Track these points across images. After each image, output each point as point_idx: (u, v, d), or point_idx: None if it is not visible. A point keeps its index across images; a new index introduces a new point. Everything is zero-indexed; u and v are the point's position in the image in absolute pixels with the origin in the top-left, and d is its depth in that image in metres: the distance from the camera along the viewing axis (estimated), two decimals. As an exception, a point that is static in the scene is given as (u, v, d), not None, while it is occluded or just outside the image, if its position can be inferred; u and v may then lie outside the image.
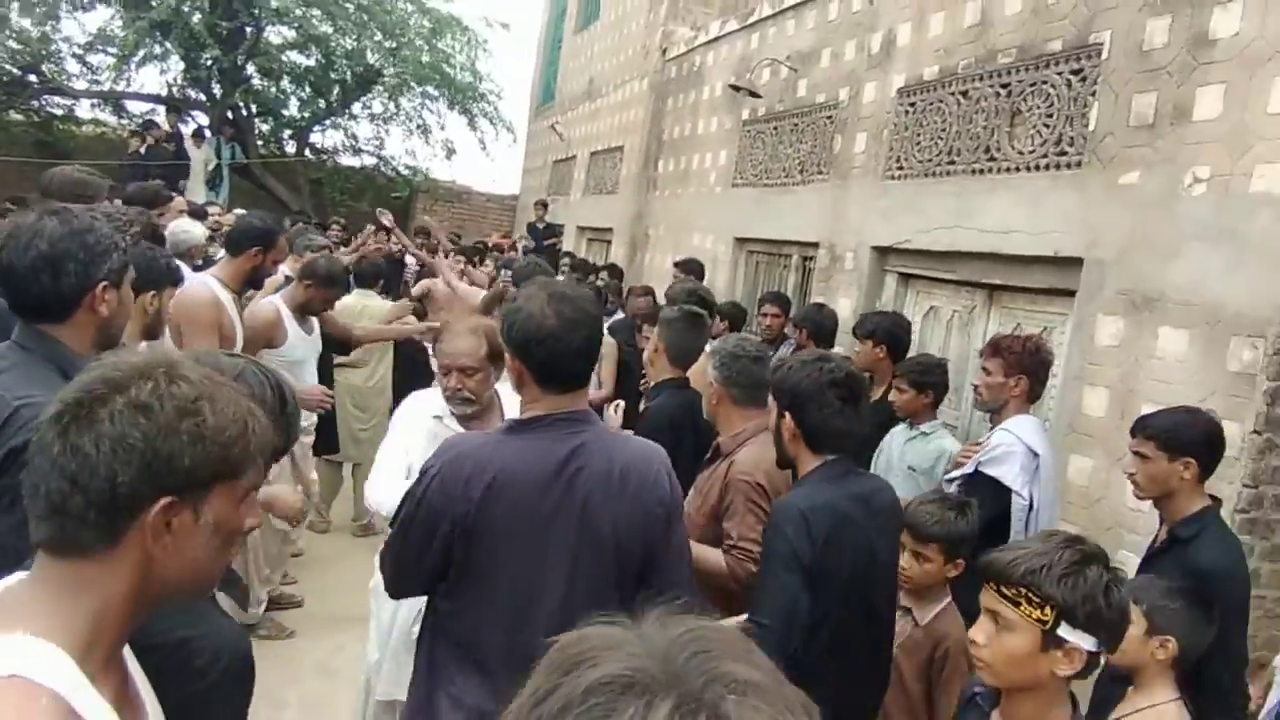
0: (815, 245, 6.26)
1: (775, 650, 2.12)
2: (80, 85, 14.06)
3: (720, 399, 2.91)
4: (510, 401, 2.83)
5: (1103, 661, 1.54)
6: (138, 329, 2.48)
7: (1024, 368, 3.16)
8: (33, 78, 13.32)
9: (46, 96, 13.91)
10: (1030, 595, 1.49)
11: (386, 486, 2.60)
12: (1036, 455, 3.05)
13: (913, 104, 5.33)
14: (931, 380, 3.64)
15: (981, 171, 4.68)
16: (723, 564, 2.60)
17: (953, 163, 4.91)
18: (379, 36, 14.37)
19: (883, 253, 5.54)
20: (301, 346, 4.12)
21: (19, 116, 13.74)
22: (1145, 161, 3.70)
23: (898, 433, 3.67)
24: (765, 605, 2.15)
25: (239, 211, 10.25)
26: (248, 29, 13.63)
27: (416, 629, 2.00)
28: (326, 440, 5.11)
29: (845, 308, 5.59)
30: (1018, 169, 4.44)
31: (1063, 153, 4.17)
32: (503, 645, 1.84)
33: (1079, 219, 3.99)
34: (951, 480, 3.18)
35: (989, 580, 1.56)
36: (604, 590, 1.89)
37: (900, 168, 5.39)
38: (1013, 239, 4.37)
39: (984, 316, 4.75)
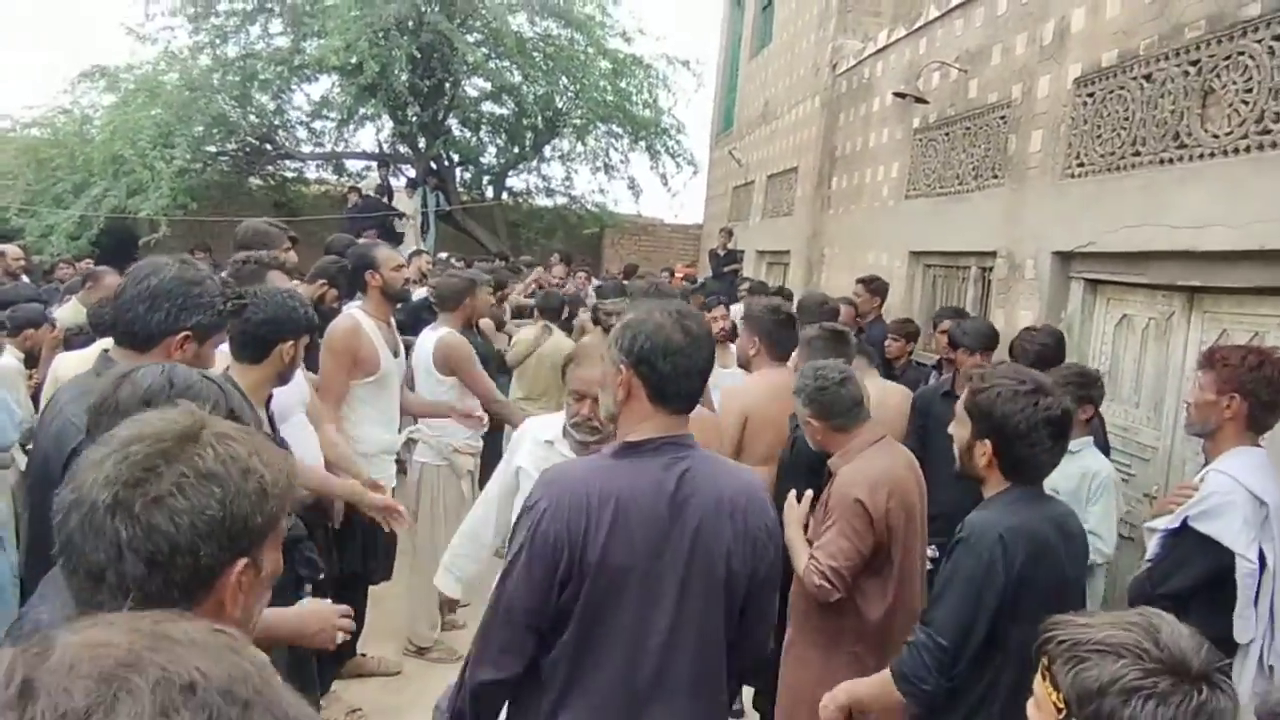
0: (993, 255, 5.82)
1: (939, 669, 2.06)
2: (306, 149, 15.59)
3: (822, 433, 2.84)
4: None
5: None
6: (272, 374, 2.54)
7: (1239, 385, 2.53)
8: (268, 146, 14.91)
9: (280, 161, 15.52)
10: (1049, 671, 1.17)
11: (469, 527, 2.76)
12: (1264, 504, 2.47)
13: (1091, 94, 4.86)
14: (1094, 394, 3.39)
15: (1170, 161, 4.17)
16: (801, 566, 2.68)
17: (1138, 154, 4.41)
18: (564, 81, 14.99)
19: (1065, 258, 5.06)
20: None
21: (258, 181, 15.44)
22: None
23: None
24: (943, 622, 2.07)
25: (441, 255, 11.07)
26: (446, 84, 14.59)
27: None
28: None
29: (1027, 319, 5.15)
30: (1212, 155, 3.92)
31: (1265, 131, 3.64)
32: (612, 682, 1.74)
33: (1287, 205, 3.46)
34: (1153, 532, 2.68)
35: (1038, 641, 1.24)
36: (711, 622, 1.80)
37: (1080, 164, 4.92)
38: (1211, 234, 3.85)
39: (1184, 323, 4.20)
